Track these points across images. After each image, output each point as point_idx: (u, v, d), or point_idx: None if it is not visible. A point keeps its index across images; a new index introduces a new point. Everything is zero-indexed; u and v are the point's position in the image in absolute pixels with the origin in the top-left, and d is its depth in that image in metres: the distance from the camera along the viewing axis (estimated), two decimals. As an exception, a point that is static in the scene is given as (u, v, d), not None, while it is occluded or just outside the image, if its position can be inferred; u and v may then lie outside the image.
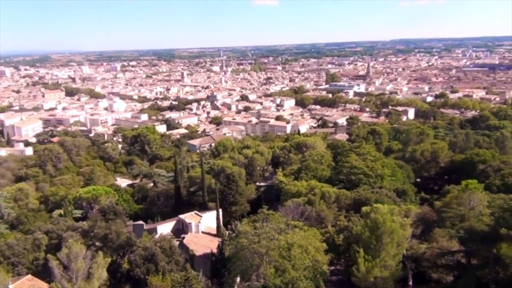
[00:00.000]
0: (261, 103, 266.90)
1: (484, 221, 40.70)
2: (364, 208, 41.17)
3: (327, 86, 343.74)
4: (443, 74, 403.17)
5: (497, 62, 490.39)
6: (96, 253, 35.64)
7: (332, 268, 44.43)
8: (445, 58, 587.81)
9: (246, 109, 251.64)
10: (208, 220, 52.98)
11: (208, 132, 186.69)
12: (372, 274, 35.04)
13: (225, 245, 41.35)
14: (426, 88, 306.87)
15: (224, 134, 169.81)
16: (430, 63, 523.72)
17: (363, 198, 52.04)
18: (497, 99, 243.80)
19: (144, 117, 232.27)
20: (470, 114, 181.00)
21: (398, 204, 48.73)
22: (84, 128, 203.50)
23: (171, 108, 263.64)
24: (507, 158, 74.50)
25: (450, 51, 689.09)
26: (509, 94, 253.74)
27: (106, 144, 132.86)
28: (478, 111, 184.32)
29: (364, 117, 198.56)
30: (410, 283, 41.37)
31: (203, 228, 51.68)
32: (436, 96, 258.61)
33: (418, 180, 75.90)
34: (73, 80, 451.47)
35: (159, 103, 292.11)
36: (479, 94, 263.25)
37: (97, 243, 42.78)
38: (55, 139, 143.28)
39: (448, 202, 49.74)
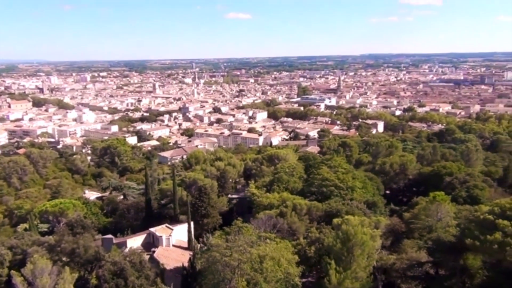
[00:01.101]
0: (234, 115, 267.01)
1: (451, 232, 41.79)
2: (335, 220, 41.58)
3: (299, 99, 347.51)
4: (411, 89, 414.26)
5: (462, 77, 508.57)
6: (63, 268, 34.51)
7: (304, 280, 44.45)
8: (413, 73, 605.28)
9: (219, 121, 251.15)
10: (180, 233, 52.23)
11: (180, 144, 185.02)
12: (343, 286, 35.23)
13: (197, 259, 40.82)
14: (395, 102, 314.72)
15: (196, 146, 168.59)
16: (398, 78, 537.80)
17: (334, 210, 52.56)
18: (462, 113, 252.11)
19: (115, 128, 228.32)
20: (437, 127, 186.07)
21: (369, 216, 49.38)
22: (52, 140, 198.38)
23: (142, 119, 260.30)
24: (472, 170, 76.93)
25: (417, 67, 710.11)
26: (474, 109, 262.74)
27: (74, 156, 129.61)
28: (444, 124, 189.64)
29: (335, 129, 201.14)
30: (381, 294, 41.88)
31: (174, 242, 50.93)
32: (404, 110, 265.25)
33: (388, 192, 77.26)
34: (41, 90, 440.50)
35: (130, 114, 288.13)
36: (445, 108, 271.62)
37: (64, 258, 41.49)
38: (21, 151, 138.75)
39: (416, 214, 50.86)
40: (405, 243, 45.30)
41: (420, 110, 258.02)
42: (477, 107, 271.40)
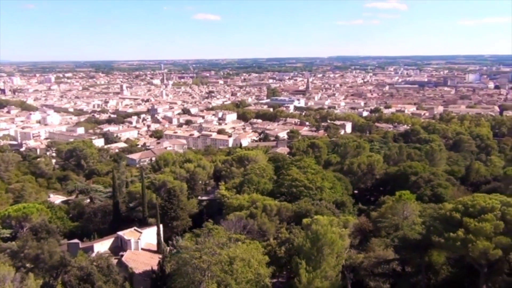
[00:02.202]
0: (203, 117, 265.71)
1: (416, 230, 42.80)
2: (305, 220, 41.94)
3: (268, 100, 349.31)
4: (377, 90, 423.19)
5: (426, 79, 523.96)
6: (27, 275, 33.49)
7: (274, 280, 44.67)
8: (379, 75, 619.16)
9: (188, 122, 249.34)
10: (149, 236, 51.55)
11: (149, 146, 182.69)
12: (313, 285, 35.56)
13: (166, 262, 40.36)
14: (362, 103, 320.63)
15: (165, 148, 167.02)
16: (365, 80, 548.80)
17: (304, 210, 52.99)
18: (427, 114, 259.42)
19: (81, 130, 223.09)
20: (402, 128, 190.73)
21: (337, 216, 50.07)
22: (14, 142, 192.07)
23: (109, 121, 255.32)
24: (436, 169, 79.38)
25: (383, 69, 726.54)
26: (437, 110, 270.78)
27: (38, 159, 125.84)
28: (409, 125, 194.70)
29: (304, 131, 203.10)
30: (349, 292, 42.53)
31: (143, 245, 50.20)
32: (371, 111, 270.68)
33: (356, 191, 78.66)
34: (3, 91, 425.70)
35: (97, 116, 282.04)
36: (410, 109, 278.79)
37: (28, 264, 40.26)
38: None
39: (383, 213, 51.93)
40: (373, 241, 46.17)
41: (386, 111, 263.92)
42: (440, 108, 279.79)
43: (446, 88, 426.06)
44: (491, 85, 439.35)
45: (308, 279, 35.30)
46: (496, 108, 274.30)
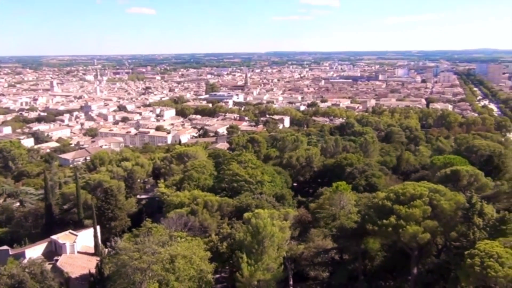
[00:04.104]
0: (140, 114, 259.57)
1: (352, 219, 44.63)
2: (245, 214, 42.27)
3: (207, 96, 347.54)
4: (313, 85, 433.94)
5: (359, 74, 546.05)
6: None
7: (217, 276, 44.78)
8: (315, 70, 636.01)
9: (124, 119, 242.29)
10: (85, 238, 49.58)
11: (83, 145, 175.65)
12: (255, 278, 36.06)
13: (104, 264, 39.06)
14: (299, 98, 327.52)
15: (101, 146, 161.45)
16: (302, 75, 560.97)
17: (244, 205, 53.41)
18: (360, 107, 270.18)
19: (7, 130, 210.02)
20: (338, 121, 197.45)
21: (278, 209, 50.93)
22: None
23: (39, 120, 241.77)
24: (370, 160, 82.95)
25: (319, 64, 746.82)
26: (370, 103, 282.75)
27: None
28: (344, 118, 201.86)
29: (244, 126, 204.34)
30: (291, 282, 43.55)
31: (79, 248, 48.20)
32: (308, 105, 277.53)
33: (295, 184, 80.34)
34: None
35: (25, 114, 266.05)
36: (345, 103, 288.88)
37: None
38: None
39: (321, 204, 53.49)
40: (312, 232, 47.47)
41: (322, 105, 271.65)
42: (372, 102, 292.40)
43: (377, 82, 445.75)
44: (418, 79, 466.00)
45: (250, 272, 35.73)
46: (423, 101, 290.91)
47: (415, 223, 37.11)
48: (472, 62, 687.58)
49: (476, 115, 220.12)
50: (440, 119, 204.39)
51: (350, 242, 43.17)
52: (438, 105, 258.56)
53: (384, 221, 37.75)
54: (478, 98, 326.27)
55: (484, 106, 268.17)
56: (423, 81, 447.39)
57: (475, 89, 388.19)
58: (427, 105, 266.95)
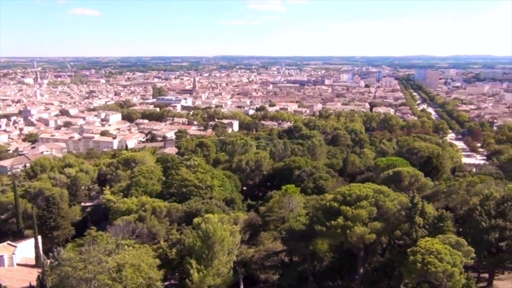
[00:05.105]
0: (84, 118, 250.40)
1: (301, 221, 45.40)
2: (195, 219, 41.85)
3: (154, 100, 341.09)
4: (262, 89, 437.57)
5: (306, 79, 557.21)
6: None
7: (167, 283, 43.93)
8: (263, 74, 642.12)
9: (67, 124, 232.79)
10: (25, 249, 47.02)
11: (22, 151, 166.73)
12: (206, 283, 35.76)
13: (46, 276, 37.19)
14: (248, 102, 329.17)
15: (42, 152, 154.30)
16: (250, 79, 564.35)
17: (194, 210, 52.84)
18: (307, 111, 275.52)
19: None
20: (286, 125, 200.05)
21: (228, 213, 50.86)
22: None
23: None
24: (317, 163, 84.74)
25: (267, 68, 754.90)
26: (316, 107, 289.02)
27: None
28: (292, 122, 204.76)
29: (192, 130, 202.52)
30: (241, 287, 43.53)
31: (18, 260, 45.62)
32: (257, 109, 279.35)
33: (245, 188, 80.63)
34: None
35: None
36: (292, 107, 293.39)
37: None
38: None
39: (271, 207, 54.00)
40: (262, 235, 47.80)
41: (271, 109, 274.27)
42: (319, 106, 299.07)
43: (323, 87, 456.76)
44: (362, 84, 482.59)
45: (200, 278, 35.41)
46: (367, 105, 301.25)
47: (362, 223, 38.32)
48: (411, 68, 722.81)
49: (416, 118, 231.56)
50: (383, 122, 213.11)
51: (299, 244, 43.83)
52: (381, 109, 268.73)
53: (332, 222, 38.70)
54: (417, 102, 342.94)
55: (423, 110, 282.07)
56: (367, 86, 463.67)
57: (415, 93, 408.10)
58: (371, 109, 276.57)
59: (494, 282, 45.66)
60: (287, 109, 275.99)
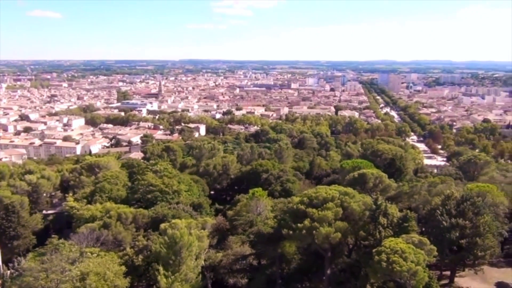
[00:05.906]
0: (45, 123, 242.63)
1: (269, 224, 45.60)
2: (162, 225, 41.30)
3: (119, 104, 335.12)
4: (228, 93, 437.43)
5: (272, 83, 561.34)
6: None
7: (133, 291, 43.09)
8: (230, 78, 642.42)
9: (27, 130, 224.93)
10: (-17, 261, 45.17)
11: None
12: (173, 289, 35.31)
13: (7, 287, 35.90)
14: (215, 106, 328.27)
15: (0, 159, 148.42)
16: (217, 83, 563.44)
17: (160, 215, 52.10)
18: (274, 115, 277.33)
19: None
20: (253, 129, 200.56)
21: (195, 218, 50.36)
22: None
23: None
24: (285, 166, 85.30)
25: (233, 72, 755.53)
26: (283, 111, 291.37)
27: None
28: (259, 126, 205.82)
29: (158, 134, 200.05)
30: (210, 291, 43.25)
31: (-25, 272, 43.77)
32: (224, 113, 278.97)
33: (212, 192, 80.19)
34: None
35: None
36: (259, 111, 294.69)
37: None
38: None
39: (239, 211, 54.00)
40: (230, 239, 47.68)
41: (238, 113, 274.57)
42: (286, 109, 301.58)
43: (290, 91, 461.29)
44: (327, 87, 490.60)
45: (168, 284, 34.98)
46: (332, 109, 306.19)
47: (328, 224, 38.88)
48: (374, 72, 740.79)
49: (379, 121, 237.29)
50: (348, 125, 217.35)
51: (267, 247, 43.98)
52: (346, 113, 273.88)
53: (299, 224, 39.06)
54: (381, 105, 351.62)
55: (386, 113, 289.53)
56: (332, 89, 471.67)
57: (378, 97, 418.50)
58: (336, 113, 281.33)
59: (456, 279, 47.32)
60: (254, 113, 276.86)
